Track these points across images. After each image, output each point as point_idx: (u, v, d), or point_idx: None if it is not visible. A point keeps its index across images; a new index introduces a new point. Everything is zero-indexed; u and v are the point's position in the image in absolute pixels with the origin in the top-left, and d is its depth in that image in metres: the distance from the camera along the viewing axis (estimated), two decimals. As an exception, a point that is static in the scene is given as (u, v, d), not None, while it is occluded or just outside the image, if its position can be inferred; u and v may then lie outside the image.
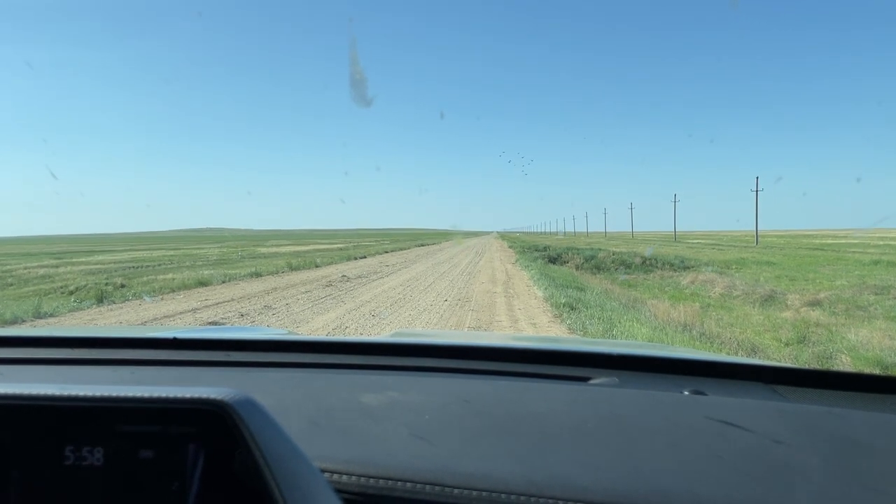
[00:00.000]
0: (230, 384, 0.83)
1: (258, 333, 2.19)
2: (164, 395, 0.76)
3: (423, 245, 67.79)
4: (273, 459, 0.73)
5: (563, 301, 13.51)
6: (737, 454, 0.97)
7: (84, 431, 0.78)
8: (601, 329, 10.12)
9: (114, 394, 0.76)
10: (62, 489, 0.77)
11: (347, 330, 10.35)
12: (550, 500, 0.85)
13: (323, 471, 0.88)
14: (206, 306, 13.98)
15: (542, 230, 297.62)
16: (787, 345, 11.26)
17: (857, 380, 1.38)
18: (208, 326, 9.93)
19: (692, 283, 22.59)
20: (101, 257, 44.96)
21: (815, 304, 16.44)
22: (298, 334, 2.42)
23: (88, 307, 14.22)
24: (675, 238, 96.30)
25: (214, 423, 0.75)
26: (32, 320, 11.94)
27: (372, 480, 0.90)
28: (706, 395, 1.30)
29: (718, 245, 64.11)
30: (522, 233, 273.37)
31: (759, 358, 9.68)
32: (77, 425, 0.78)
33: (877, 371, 8.85)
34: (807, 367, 1.52)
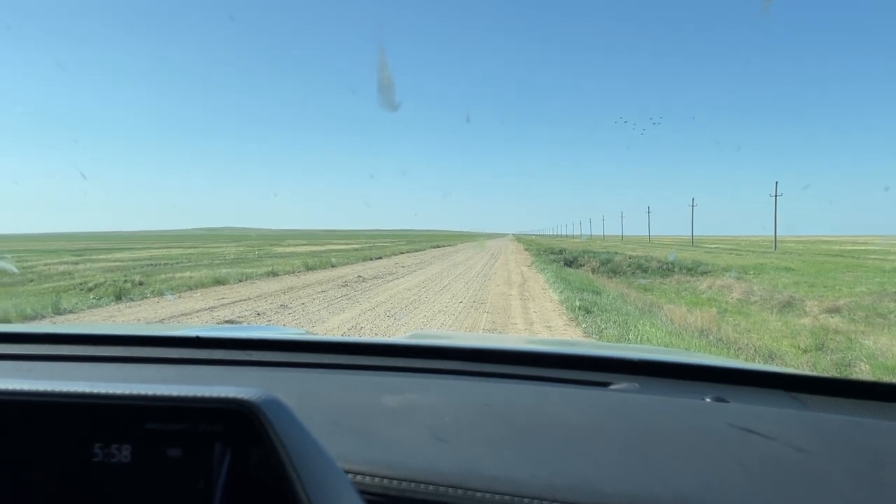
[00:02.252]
0: (253, 384, 0.83)
1: (277, 333, 2.20)
2: (191, 394, 0.76)
3: (438, 247, 67.84)
4: (298, 459, 0.74)
5: (579, 304, 13.46)
6: (758, 462, 0.97)
7: (113, 429, 0.78)
8: (616, 333, 10.07)
9: (143, 392, 0.77)
10: (90, 485, 0.77)
11: (363, 330, 10.38)
12: None
13: (346, 471, 0.88)
14: (223, 304, 14.08)
15: (559, 233, 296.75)
16: (805, 351, 11.15)
17: (878, 389, 1.36)
18: (227, 325, 10.00)
19: (709, 287, 22.45)
20: (120, 255, 45.42)
21: (833, 310, 16.27)
22: (317, 334, 2.44)
23: (107, 304, 14.36)
24: (693, 242, 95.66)
25: (240, 422, 0.76)
26: (52, 316, 12.09)
27: (395, 482, 0.90)
28: (727, 402, 1.29)
29: (736, 250, 63.61)
30: (538, 235, 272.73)
31: (777, 364, 9.60)
32: (106, 422, 0.78)
33: (896, 379, 8.73)
34: (827, 375, 1.51)
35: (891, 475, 0.96)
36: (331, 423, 1.10)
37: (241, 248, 59.14)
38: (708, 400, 1.29)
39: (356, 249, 53.95)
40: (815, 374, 1.52)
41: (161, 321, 11.61)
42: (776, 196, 72.23)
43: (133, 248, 62.75)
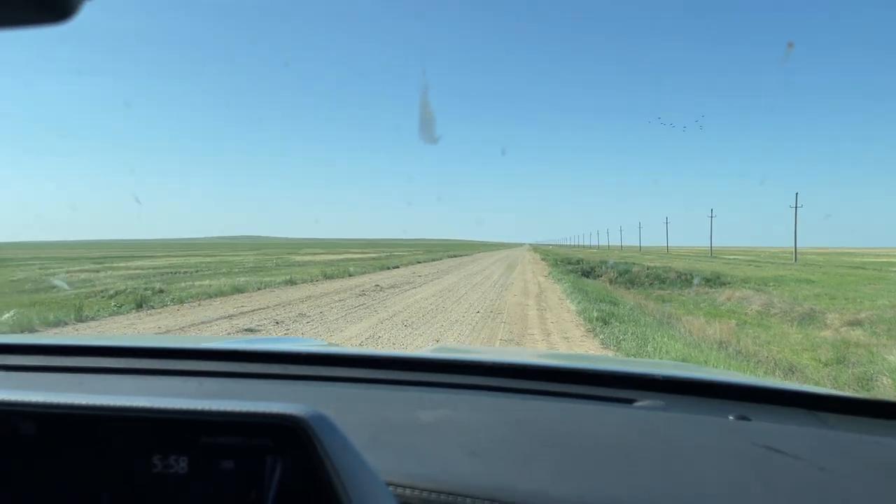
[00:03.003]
0: (294, 398, 0.87)
1: (304, 345, 2.27)
2: (244, 409, 0.81)
3: (455, 256, 67.87)
4: (344, 472, 0.78)
5: (596, 315, 13.41)
6: (782, 480, 0.99)
7: (171, 441, 0.83)
8: (634, 345, 10.02)
9: (199, 408, 0.82)
10: (150, 495, 0.82)
11: (381, 339, 10.41)
12: None
13: (388, 484, 0.92)
14: (242, 313, 14.18)
15: (576, 243, 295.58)
16: (825, 365, 11.04)
17: None
18: (252, 337, 10.07)
19: (728, 299, 22.29)
20: (139, 263, 45.90)
21: (855, 323, 16.08)
22: (344, 347, 2.49)
23: (128, 311, 14.53)
24: (712, 253, 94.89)
25: (289, 436, 0.80)
26: (74, 324, 12.24)
27: (434, 495, 0.94)
28: (750, 420, 1.31)
29: (756, 261, 63.02)
30: (555, 245, 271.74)
31: (797, 378, 9.51)
32: (164, 435, 0.83)
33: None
34: (849, 394, 1.53)
35: None
36: (370, 437, 1.14)
37: (260, 257, 59.54)
38: (731, 418, 1.32)
39: (373, 258, 54.11)
40: (836, 392, 1.54)
41: (182, 329, 11.72)
42: (796, 207, 71.57)
43: (153, 256, 63.38)
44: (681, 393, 1.53)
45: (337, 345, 2.69)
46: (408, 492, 0.95)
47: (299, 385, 1.58)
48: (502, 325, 12.41)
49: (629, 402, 1.46)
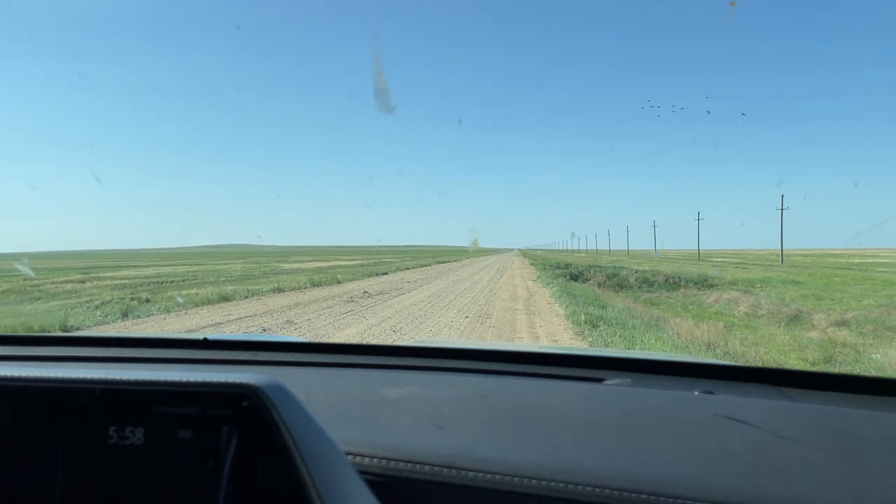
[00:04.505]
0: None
1: (282, 338, 2.27)
2: (199, 379, 0.82)
3: (444, 262, 67.91)
4: (301, 440, 0.79)
5: (585, 318, 13.44)
6: (742, 448, 1.02)
7: (126, 413, 0.84)
8: (623, 347, 10.04)
9: (154, 378, 0.83)
10: (106, 466, 0.83)
11: (368, 345, 10.36)
12: (560, 484, 0.91)
13: (347, 454, 0.94)
14: (229, 321, 14.11)
15: (565, 248, 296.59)
16: (813, 365, 11.09)
17: (863, 382, 1.43)
18: (230, 332, 10.10)
19: (716, 301, 22.38)
20: (126, 272, 45.61)
21: (841, 323, 16.20)
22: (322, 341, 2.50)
23: (114, 321, 14.43)
24: (699, 256, 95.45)
25: (246, 405, 0.82)
26: (59, 333, 12.13)
27: (393, 463, 0.96)
28: (715, 394, 1.35)
29: (743, 264, 63.43)
30: (544, 250, 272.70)
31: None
32: (120, 407, 0.84)
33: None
34: (813, 370, 1.57)
35: (870, 460, 1.00)
36: (335, 412, 1.16)
37: (247, 265, 59.32)
38: (696, 393, 1.36)
39: (362, 265, 54.06)
40: (801, 369, 1.57)
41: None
42: (782, 209, 72.11)
43: (139, 266, 63.01)
44: (650, 373, 1.57)
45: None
46: (367, 460, 0.97)
47: (269, 369, 1.58)
48: (491, 328, 12.41)
49: (599, 381, 1.49)
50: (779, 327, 16.19)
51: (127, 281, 32.88)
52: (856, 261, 65.80)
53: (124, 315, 15.25)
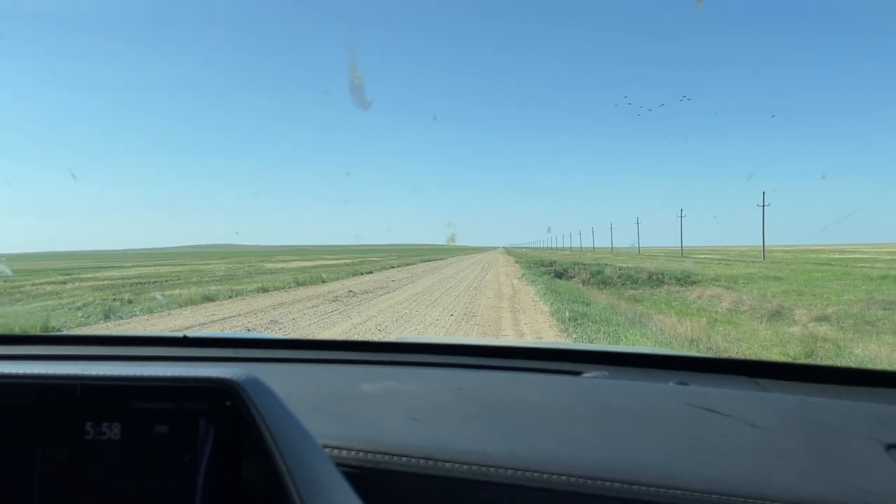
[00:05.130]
0: None
1: (264, 336, 2.28)
2: (175, 374, 0.83)
3: (429, 261, 67.91)
4: (277, 433, 0.80)
5: (569, 315, 13.51)
6: (715, 437, 1.05)
7: (103, 408, 0.85)
8: (606, 343, 10.09)
9: (131, 373, 0.84)
10: (82, 461, 0.84)
11: (353, 344, 10.34)
12: (535, 473, 0.92)
13: (325, 446, 0.95)
14: (213, 321, 14.02)
15: (549, 245, 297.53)
16: (794, 360, 11.21)
17: (834, 373, 1.47)
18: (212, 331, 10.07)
19: (699, 298, 22.54)
20: (109, 273, 45.18)
21: (822, 319, 16.38)
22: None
23: (96, 322, 14.30)
24: (682, 253, 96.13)
25: (223, 399, 0.83)
26: (38, 333, 12.00)
27: (370, 455, 0.98)
28: (689, 385, 1.38)
29: (725, 260, 63.95)
30: (529, 248, 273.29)
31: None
32: (96, 403, 0.85)
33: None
34: (786, 360, 1.60)
35: (838, 447, 1.03)
36: (312, 407, 1.17)
37: (231, 265, 58.99)
38: (672, 384, 1.39)
39: (347, 264, 53.93)
40: (774, 360, 1.61)
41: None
42: (763, 206, 72.83)
43: (121, 267, 62.44)
44: (627, 365, 1.60)
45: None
46: (344, 453, 0.98)
47: (248, 365, 1.58)
48: (476, 326, 12.43)
49: (577, 374, 1.51)
50: (761, 323, 16.33)
51: (109, 282, 32.57)
52: (836, 256, 66.56)
53: (106, 316, 15.12)
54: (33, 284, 30.59)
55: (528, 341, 5.07)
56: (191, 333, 1.83)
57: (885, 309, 17.68)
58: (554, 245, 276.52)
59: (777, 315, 17.54)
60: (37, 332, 12.17)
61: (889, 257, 59.06)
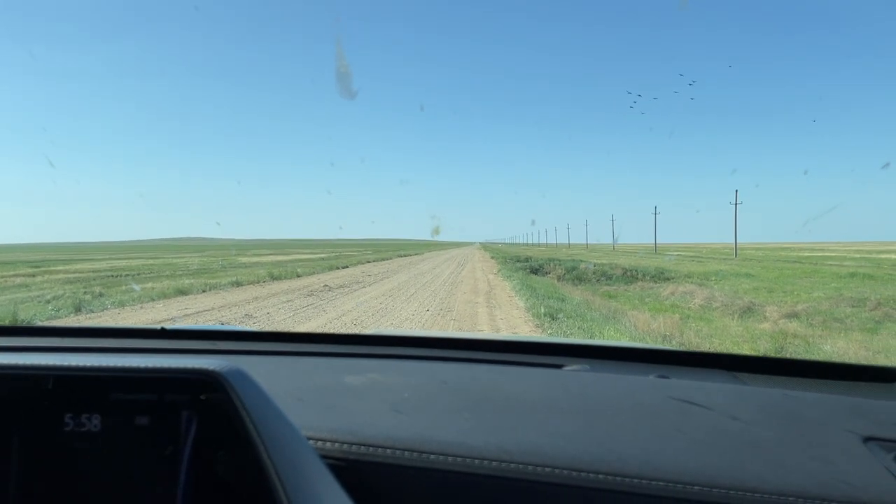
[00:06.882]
0: None
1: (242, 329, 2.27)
2: (157, 365, 0.81)
3: (405, 256, 67.81)
4: (261, 425, 0.79)
5: (544, 311, 13.58)
6: (695, 429, 1.07)
7: (82, 400, 0.84)
8: (582, 338, 10.16)
9: (111, 364, 0.82)
10: (62, 453, 0.83)
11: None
12: (519, 465, 0.93)
13: (309, 438, 0.95)
14: (186, 315, 13.87)
15: (525, 241, 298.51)
16: (766, 355, 11.38)
17: (809, 367, 1.51)
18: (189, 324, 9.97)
19: (672, 294, 22.77)
20: (79, 266, 44.46)
21: (792, 315, 16.65)
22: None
23: (66, 315, 14.07)
24: (656, 250, 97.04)
25: (205, 391, 0.82)
26: (11, 324, 11.77)
27: (354, 447, 0.98)
28: (670, 378, 1.41)
29: (698, 257, 64.62)
30: (505, 244, 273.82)
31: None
32: (76, 394, 0.84)
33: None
34: (764, 355, 1.65)
35: (817, 439, 1.05)
36: (295, 399, 1.17)
37: (205, 259, 58.35)
38: (652, 377, 1.41)
39: (322, 259, 53.65)
40: (752, 354, 1.65)
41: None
42: (736, 204, 73.73)
43: (92, 259, 61.47)
44: (608, 359, 1.62)
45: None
46: (328, 445, 0.98)
47: (229, 357, 1.57)
48: (452, 321, 12.46)
49: (558, 367, 1.53)
50: (732, 319, 16.56)
51: (80, 275, 32.04)
52: (806, 254, 67.58)
53: (77, 309, 14.89)
54: (1, 277, 30.02)
55: (510, 335, 5.10)
56: (168, 325, 1.81)
57: (852, 306, 18.02)
58: (530, 241, 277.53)
59: (748, 311, 17.80)
60: (5, 324, 11.96)
61: (857, 255, 60.20)
